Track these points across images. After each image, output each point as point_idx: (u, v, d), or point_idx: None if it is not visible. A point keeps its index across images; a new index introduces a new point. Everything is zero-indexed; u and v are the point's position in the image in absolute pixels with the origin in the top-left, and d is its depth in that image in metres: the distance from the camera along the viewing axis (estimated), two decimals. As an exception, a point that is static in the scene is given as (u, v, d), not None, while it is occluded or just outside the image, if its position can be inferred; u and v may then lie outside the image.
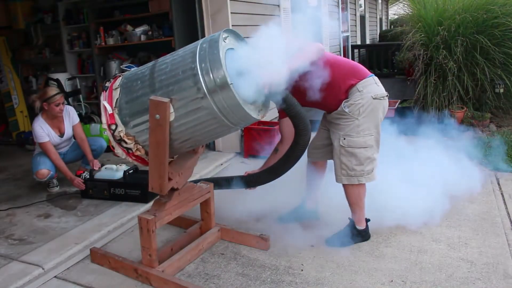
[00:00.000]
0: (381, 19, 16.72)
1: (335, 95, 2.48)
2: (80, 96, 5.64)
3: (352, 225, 2.68)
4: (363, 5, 12.75)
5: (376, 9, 15.38)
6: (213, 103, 1.95)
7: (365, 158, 2.51)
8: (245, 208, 3.14)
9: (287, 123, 2.57)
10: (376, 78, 2.55)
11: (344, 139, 2.52)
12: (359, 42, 11.78)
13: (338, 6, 9.10)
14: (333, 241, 2.67)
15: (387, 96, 2.55)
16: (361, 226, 2.67)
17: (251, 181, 2.79)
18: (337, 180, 2.63)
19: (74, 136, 3.86)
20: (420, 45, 5.73)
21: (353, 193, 2.60)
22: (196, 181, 2.77)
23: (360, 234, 2.68)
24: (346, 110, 2.47)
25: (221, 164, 4.41)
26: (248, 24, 4.83)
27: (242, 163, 4.46)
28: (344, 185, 2.62)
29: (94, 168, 3.69)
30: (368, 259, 2.50)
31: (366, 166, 2.53)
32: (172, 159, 2.37)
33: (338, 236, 2.68)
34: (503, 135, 4.78)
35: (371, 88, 2.49)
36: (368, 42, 13.16)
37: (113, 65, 5.75)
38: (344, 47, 9.64)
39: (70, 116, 3.81)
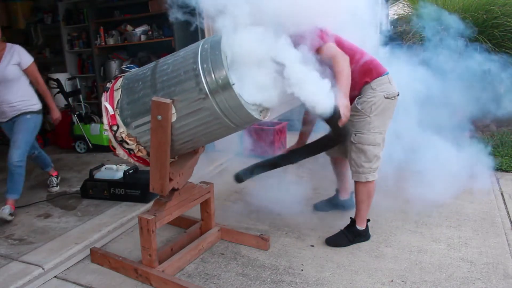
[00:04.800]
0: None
1: (350, 91, 2.43)
2: (80, 96, 5.64)
3: (353, 225, 2.69)
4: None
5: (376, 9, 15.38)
6: (215, 104, 1.95)
7: (373, 155, 2.54)
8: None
9: None
10: (390, 76, 2.52)
11: (355, 135, 2.54)
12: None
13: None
14: (333, 241, 2.68)
15: (398, 95, 2.53)
16: (361, 226, 2.68)
17: (293, 157, 2.77)
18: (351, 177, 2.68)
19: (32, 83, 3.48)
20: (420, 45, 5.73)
21: (362, 190, 2.62)
22: (246, 174, 2.75)
23: (360, 234, 2.68)
24: (359, 107, 2.48)
25: (221, 164, 4.41)
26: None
27: (242, 163, 4.45)
28: (355, 182, 2.65)
29: (54, 118, 3.49)
30: (368, 259, 2.50)
31: (373, 164, 2.56)
32: (173, 159, 2.37)
33: (338, 236, 2.69)
34: (503, 135, 4.78)
35: (385, 87, 2.48)
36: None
37: (113, 65, 5.76)
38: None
39: (13, 56, 3.28)
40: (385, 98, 2.47)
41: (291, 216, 3.10)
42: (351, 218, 2.72)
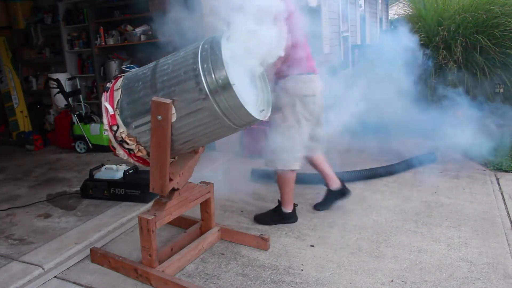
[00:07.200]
0: (381, 19, 16.71)
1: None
2: (80, 96, 5.64)
3: (279, 207, 2.94)
4: (363, 5, 12.75)
5: (376, 9, 15.38)
6: (215, 104, 1.95)
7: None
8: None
9: None
10: (312, 76, 2.69)
11: None
12: (359, 42, 11.80)
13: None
14: (260, 219, 2.97)
15: (311, 96, 2.67)
16: (287, 209, 2.92)
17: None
18: None
19: None
20: (420, 45, 5.74)
21: (278, 178, 2.88)
22: None
23: (285, 217, 2.93)
24: None
25: (221, 164, 4.41)
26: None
27: (242, 163, 4.46)
28: None
29: None
30: (368, 259, 2.50)
31: (278, 155, 2.75)
32: (173, 159, 2.37)
33: (265, 215, 2.96)
34: (503, 134, 4.77)
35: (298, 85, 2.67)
36: (368, 42, 13.16)
37: (113, 65, 5.75)
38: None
39: None
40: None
41: (291, 216, 3.10)
42: (278, 200, 2.95)
